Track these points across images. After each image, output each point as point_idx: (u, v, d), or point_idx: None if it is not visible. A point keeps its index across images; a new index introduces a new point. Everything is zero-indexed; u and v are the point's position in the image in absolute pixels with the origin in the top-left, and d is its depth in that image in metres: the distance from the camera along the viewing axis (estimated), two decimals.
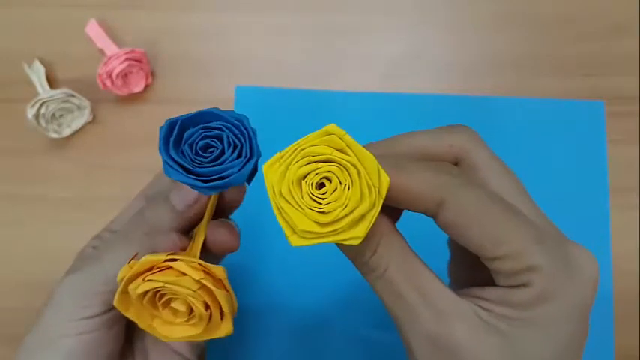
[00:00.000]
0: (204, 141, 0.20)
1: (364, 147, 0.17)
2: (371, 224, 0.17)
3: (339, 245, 0.19)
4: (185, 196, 0.23)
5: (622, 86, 0.39)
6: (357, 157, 0.17)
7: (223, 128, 0.20)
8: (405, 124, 0.39)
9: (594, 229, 0.37)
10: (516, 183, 0.21)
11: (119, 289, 0.20)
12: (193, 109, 0.43)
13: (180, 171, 0.19)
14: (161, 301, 0.20)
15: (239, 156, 0.20)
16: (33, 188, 0.39)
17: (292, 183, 0.17)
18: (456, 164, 0.21)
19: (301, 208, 0.17)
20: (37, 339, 0.22)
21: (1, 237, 0.38)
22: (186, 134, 0.20)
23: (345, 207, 0.16)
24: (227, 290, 0.20)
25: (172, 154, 0.19)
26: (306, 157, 0.17)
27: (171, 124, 0.20)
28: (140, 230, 0.23)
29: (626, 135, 0.39)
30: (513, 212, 0.18)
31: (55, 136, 0.38)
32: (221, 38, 0.41)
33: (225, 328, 0.21)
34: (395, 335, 0.20)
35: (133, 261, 0.20)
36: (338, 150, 0.17)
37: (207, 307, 0.20)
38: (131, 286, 0.20)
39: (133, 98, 0.40)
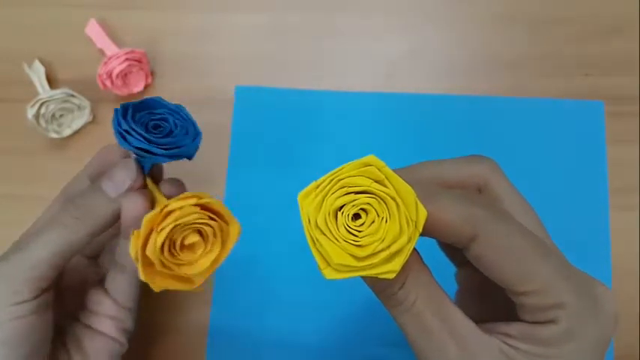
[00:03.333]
0: (154, 122, 0.23)
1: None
2: (406, 258, 0.16)
3: (365, 277, 0.18)
4: (118, 183, 0.24)
5: (622, 86, 0.39)
6: (395, 189, 0.16)
7: (165, 113, 0.24)
8: (405, 124, 0.39)
9: (594, 230, 0.37)
10: (535, 216, 0.21)
11: (139, 264, 0.21)
12: (193, 110, 0.43)
13: (142, 139, 0.22)
14: (177, 248, 0.22)
15: (186, 133, 0.24)
16: (33, 188, 0.39)
17: (329, 214, 0.16)
18: (478, 192, 0.21)
19: (337, 241, 0.16)
20: None
21: (1, 237, 0.38)
22: (137, 116, 0.23)
23: (383, 241, 0.16)
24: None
25: (132, 124, 0.22)
26: (344, 187, 0.17)
27: (125, 106, 0.23)
28: (69, 215, 0.24)
29: (626, 135, 0.39)
30: (543, 247, 0.18)
31: (55, 136, 0.38)
32: (221, 38, 0.41)
33: (234, 230, 0.23)
34: (404, 354, 0.20)
35: (135, 232, 0.20)
36: (376, 181, 0.17)
37: (212, 220, 0.22)
38: (148, 249, 0.20)
39: (132, 98, 0.40)
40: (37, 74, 0.39)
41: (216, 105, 0.40)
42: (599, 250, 0.36)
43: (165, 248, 0.21)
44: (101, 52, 0.40)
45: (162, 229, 0.20)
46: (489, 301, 0.21)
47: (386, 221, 0.16)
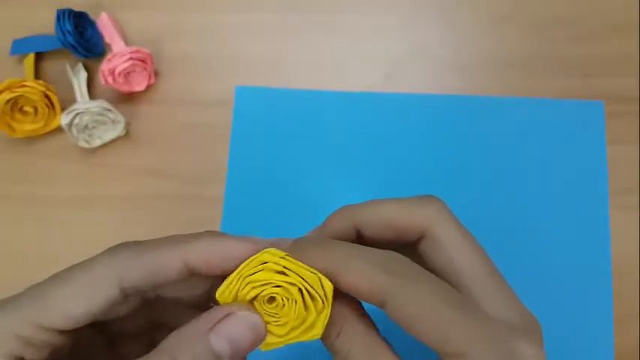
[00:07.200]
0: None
1: (338, 214, 0.22)
2: (325, 324, 0.19)
3: None
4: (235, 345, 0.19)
5: (622, 86, 0.39)
6: (297, 274, 0.19)
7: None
8: (405, 125, 0.39)
9: (594, 230, 0.37)
10: (484, 262, 0.21)
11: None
12: (193, 110, 0.43)
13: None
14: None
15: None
16: (32, 188, 0.39)
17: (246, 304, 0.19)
18: (422, 237, 0.22)
19: None
20: None
21: (1, 237, 0.39)
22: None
23: (297, 318, 0.19)
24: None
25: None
26: (250, 283, 0.19)
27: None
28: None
29: (626, 135, 0.39)
30: (460, 307, 0.18)
31: (84, 145, 0.38)
32: (221, 38, 0.41)
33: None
34: None
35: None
36: (278, 272, 0.19)
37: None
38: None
39: (133, 97, 0.40)
40: (78, 79, 0.39)
41: (216, 105, 0.40)
42: (599, 250, 0.36)
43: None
44: (108, 46, 0.41)
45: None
46: None
47: (295, 302, 0.19)
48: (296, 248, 0.20)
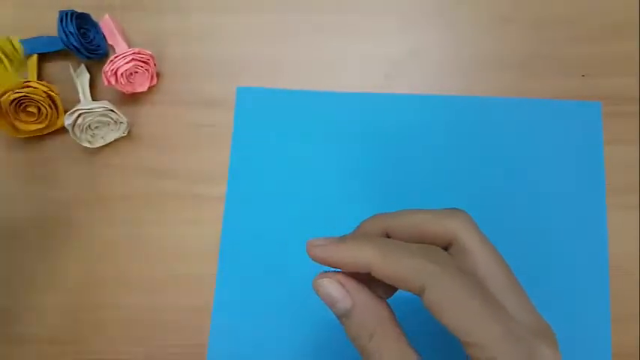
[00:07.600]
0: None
1: (370, 220, 0.24)
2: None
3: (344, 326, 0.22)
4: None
5: (622, 86, 0.39)
6: None
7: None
8: (405, 125, 0.39)
9: (591, 230, 0.37)
10: (505, 270, 0.23)
11: None
12: (194, 111, 0.43)
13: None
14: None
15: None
16: (34, 188, 0.39)
17: None
18: (450, 244, 0.23)
19: None
20: None
21: None
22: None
23: None
24: None
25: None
26: None
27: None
28: None
29: (625, 135, 0.39)
30: (488, 304, 0.20)
31: (87, 145, 0.39)
32: (222, 39, 0.42)
33: None
34: None
35: None
36: None
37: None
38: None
39: (136, 98, 0.41)
40: (81, 80, 0.40)
41: (217, 106, 0.40)
42: (597, 250, 0.36)
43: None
44: (111, 47, 0.41)
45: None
46: None
47: None
48: (345, 240, 0.22)
